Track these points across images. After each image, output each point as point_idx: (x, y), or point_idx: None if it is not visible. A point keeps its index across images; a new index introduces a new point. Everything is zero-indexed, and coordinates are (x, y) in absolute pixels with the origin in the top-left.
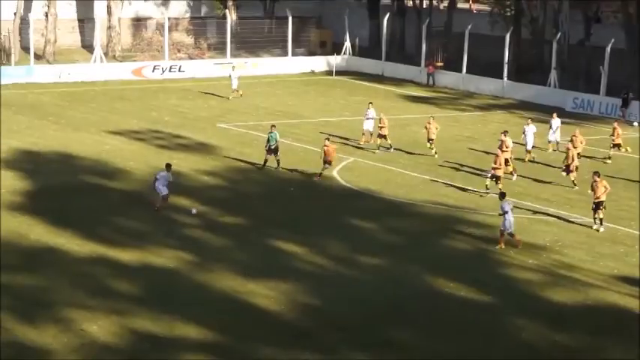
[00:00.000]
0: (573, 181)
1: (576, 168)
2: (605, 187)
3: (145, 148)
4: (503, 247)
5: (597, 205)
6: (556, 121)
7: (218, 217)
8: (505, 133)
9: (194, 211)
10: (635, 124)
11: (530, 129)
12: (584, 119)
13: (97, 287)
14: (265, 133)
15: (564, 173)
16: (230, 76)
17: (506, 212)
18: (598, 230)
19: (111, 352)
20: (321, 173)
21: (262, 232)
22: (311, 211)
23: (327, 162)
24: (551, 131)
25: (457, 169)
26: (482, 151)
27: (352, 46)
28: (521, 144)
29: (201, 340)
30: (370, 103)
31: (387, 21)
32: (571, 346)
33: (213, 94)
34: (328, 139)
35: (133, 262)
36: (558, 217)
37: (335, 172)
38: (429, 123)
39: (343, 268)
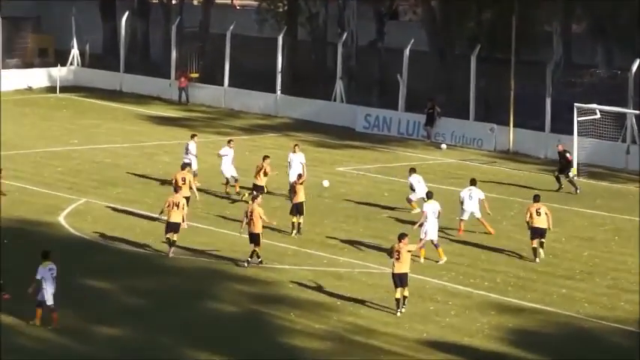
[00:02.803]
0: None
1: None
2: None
3: None
4: (38, 323)
5: None
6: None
7: None
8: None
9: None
10: (444, 146)
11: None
12: (379, 142)
13: None
14: None
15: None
16: None
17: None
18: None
19: None
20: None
21: None
22: (31, 268)
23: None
24: (291, 171)
25: (221, 214)
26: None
27: (81, 54)
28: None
29: None
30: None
31: (126, 22)
32: None
33: None
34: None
35: None
36: (351, 269)
37: (61, 219)
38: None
39: (72, 342)
